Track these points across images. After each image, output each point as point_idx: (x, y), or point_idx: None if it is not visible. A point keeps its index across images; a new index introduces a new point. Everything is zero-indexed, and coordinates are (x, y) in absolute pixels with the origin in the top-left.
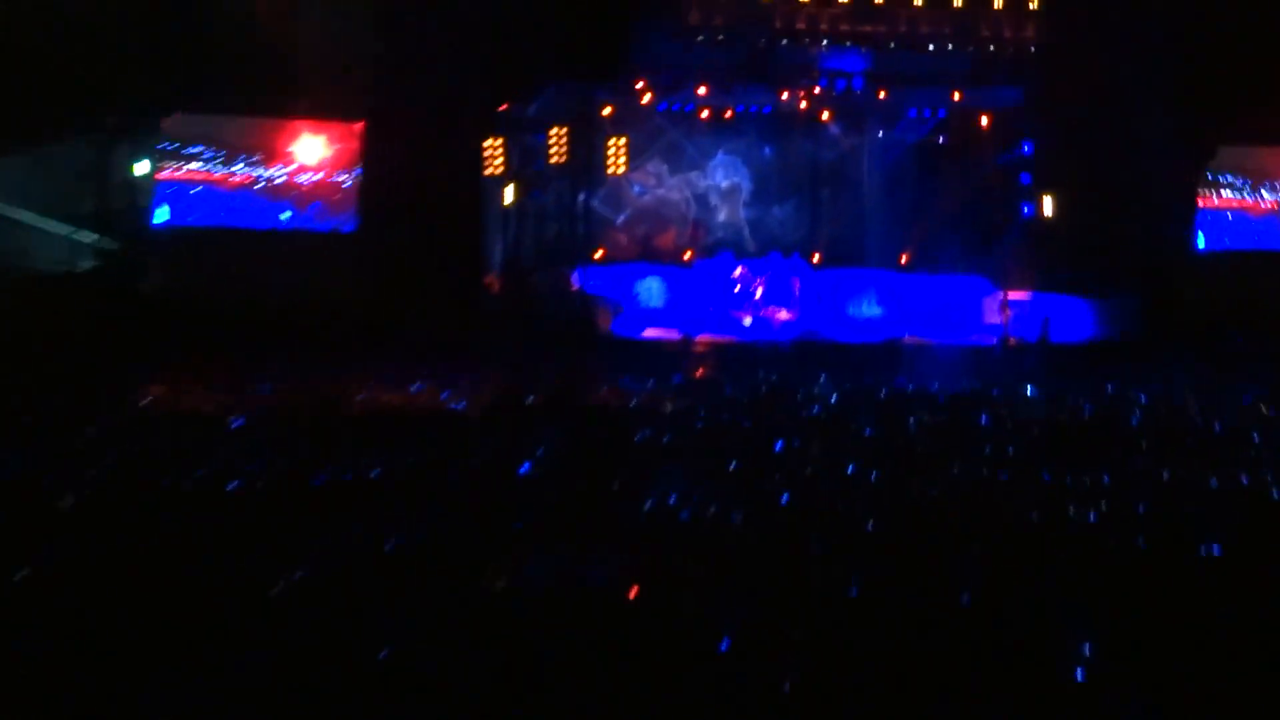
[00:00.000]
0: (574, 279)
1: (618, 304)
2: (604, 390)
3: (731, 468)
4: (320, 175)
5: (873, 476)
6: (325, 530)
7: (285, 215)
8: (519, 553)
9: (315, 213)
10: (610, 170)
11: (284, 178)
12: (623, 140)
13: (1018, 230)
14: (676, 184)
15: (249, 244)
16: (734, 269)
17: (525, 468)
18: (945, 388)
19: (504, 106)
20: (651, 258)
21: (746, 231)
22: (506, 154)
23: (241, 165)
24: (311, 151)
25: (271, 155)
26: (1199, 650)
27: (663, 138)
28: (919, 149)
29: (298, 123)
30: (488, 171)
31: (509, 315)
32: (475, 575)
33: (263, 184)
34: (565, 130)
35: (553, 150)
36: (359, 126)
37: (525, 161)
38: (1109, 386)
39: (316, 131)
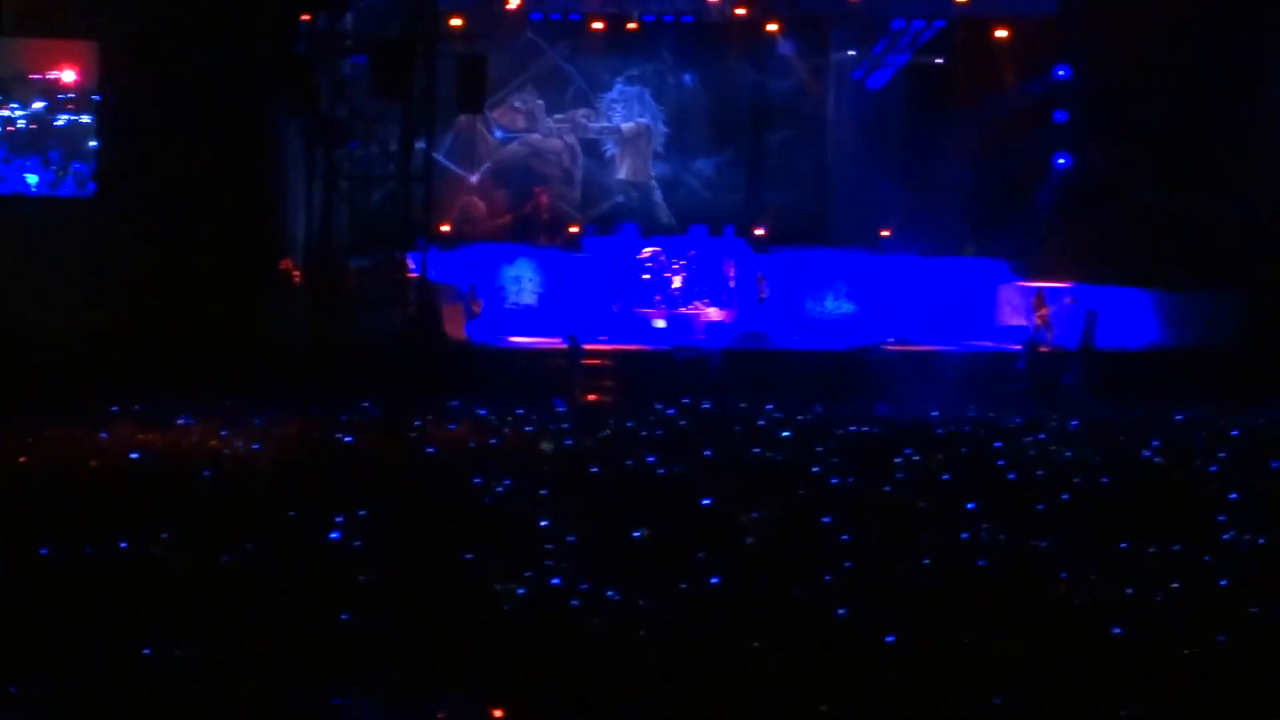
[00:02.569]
0: (409, 264)
1: (473, 298)
2: (450, 426)
3: (635, 546)
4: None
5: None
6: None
7: None
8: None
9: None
10: (461, 108)
11: None
12: (479, 64)
13: (1050, 193)
14: (556, 127)
15: None
16: (641, 249)
17: (330, 543)
18: (948, 417)
19: (305, 17)
20: (521, 234)
21: (659, 196)
22: (310, 87)
23: None
24: (32, 84)
25: None
26: None
27: (537, 60)
28: (908, 77)
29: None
30: (283, 114)
31: (315, 316)
32: None
33: None
34: (395, 51)
35: (377, 80)
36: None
37: (337, 98)
38: (1187, 416)
39: (36, 55)
